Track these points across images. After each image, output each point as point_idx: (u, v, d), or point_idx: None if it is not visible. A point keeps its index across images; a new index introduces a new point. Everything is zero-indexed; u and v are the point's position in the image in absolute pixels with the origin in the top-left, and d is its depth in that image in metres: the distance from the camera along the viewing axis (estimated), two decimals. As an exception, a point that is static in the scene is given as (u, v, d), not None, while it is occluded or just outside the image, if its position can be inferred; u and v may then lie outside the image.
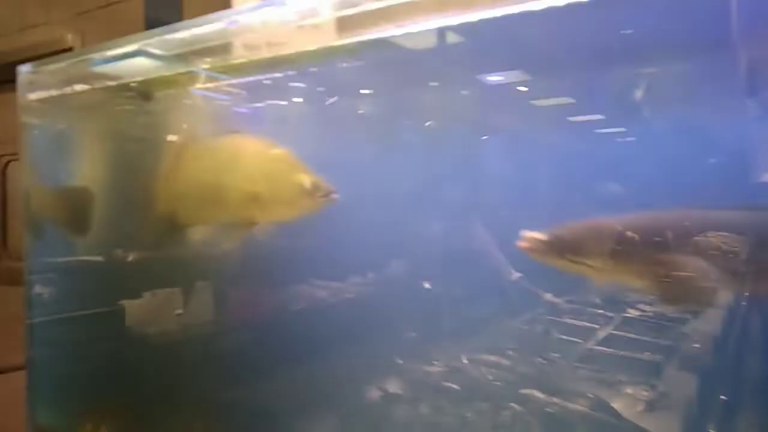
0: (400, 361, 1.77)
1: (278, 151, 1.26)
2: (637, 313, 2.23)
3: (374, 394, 1.70)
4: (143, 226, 1.60)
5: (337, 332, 1.86)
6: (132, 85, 1.47)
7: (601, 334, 1.98)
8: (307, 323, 1.88)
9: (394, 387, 1.72)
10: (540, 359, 1.78)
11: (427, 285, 1.99)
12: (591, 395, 1.55)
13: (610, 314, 2.15)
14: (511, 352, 1.81)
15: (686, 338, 1.93)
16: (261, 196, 1.20)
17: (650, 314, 2.19)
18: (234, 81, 1.45)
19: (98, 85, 1.45)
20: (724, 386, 1.56)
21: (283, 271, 1.80)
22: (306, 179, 1.19)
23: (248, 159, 1.25)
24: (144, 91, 1.47)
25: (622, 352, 1.84)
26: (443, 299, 1.93)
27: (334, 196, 1.21)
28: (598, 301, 2.29)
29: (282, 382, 1.71)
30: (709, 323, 2.13)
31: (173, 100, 1.58)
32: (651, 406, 1.49)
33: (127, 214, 1.62)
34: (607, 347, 1.89)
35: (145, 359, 1.75)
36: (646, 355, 1.82)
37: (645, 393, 1.57)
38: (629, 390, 1.60)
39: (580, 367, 1.78)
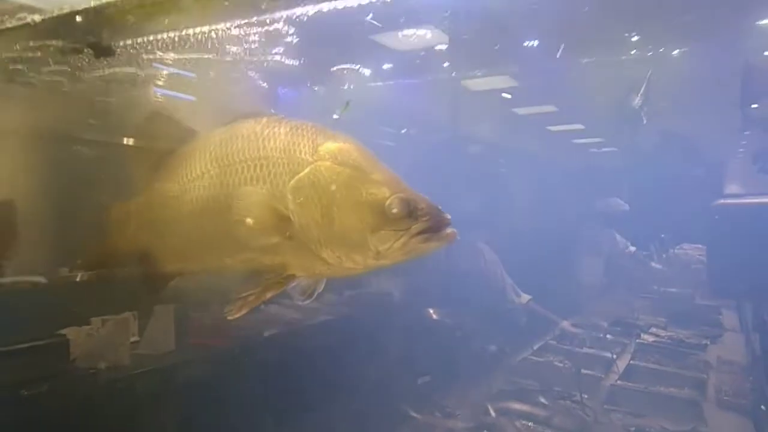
0: (415, 414, 1.40)
1: (335, 143, 0.63)
2: (652, 338, 2.06)
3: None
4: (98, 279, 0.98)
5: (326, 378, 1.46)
6: (76, 22, 0.73)
7: (622, 364, 1.78)
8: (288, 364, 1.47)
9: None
10: (571, 403, 1.52)
11: (433, 313, 1.64)
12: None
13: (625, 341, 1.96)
14: (542, 398, 1.52)
15: (711, 367, 1.79)
16: (298, 226, 0.61)
17: (665, 339, 2.04)
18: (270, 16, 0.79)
19: (13, 23, 0.75)
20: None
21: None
22: (390, 196, 0.60)
23: (278, 159, 0.63)
24: (96, 40, 0.83)
25: (652, 388, 1.64)
26: (454, 330, 1.59)
27: (450, 232, 0.60)
28: (604, 324, 2.10)
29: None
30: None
31: (150, 56, 0.92)
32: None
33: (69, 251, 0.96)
34: (634, 382, 1.68)
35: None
36: (676, 390, 1.63)
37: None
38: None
39: (613, 410, 1.54)
